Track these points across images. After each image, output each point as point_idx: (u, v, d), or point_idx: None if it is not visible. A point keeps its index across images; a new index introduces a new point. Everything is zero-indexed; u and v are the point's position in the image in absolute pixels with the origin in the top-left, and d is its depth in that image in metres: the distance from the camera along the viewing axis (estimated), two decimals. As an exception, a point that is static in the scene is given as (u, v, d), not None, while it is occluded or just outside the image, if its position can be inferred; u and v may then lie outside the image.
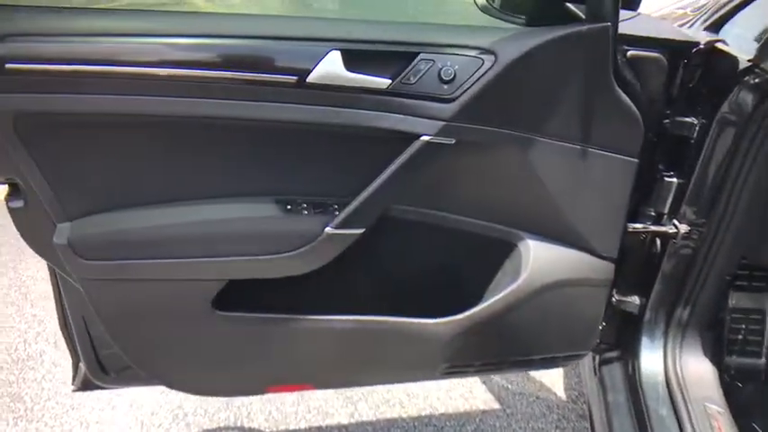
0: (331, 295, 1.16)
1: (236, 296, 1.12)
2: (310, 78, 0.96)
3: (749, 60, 1.03)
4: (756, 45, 1.07)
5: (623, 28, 1.04)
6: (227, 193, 1.08)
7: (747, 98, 1.05)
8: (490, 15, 1.15)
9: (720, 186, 1.15)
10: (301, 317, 1.13)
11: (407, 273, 1.19)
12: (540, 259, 1.14)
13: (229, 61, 0.97)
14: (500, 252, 1.17)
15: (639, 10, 1.14)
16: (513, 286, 1.13)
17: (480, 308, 1.14)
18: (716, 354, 1.36)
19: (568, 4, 1.08)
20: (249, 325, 1.14)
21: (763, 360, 1.44)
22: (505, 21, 1.14)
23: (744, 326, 1.44)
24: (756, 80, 1.02)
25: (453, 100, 0.99)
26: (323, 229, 1.05)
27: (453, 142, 1.01)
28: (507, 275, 1.16)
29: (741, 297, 1.43)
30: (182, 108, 0.97)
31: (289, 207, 1.08)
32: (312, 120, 1.00)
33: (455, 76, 0.99)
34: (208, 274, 1.09)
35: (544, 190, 1.10)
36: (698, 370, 1.30)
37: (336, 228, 1.05)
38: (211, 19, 1.04)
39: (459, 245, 1.16)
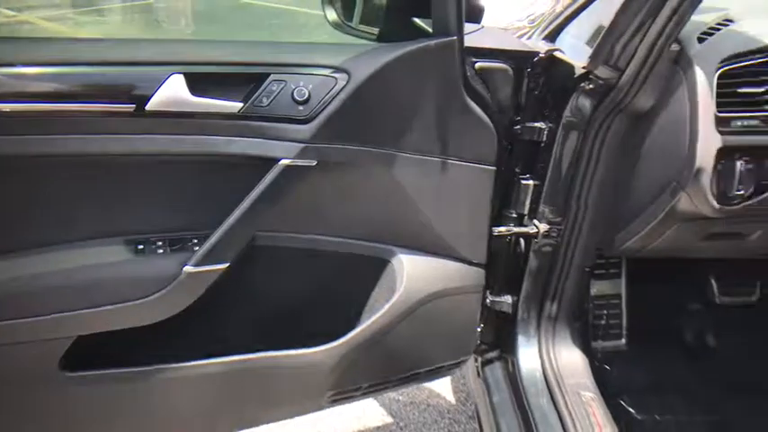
0: (200, 338, 1.07)
1: (89, 352, 0.99)
2: (150, 106, 0.88)
3: (583, 68, 1.10)
4: (588, 52, 1.15)
5: (469, 41, 1.07)
6: (69, 239, 0.96)
7: (585, 102, 1.13)
8: (343, 32, 1.14)
9: (571, 185, 1.22)
10: (168, 366, 1.03)
11: (282, 303, 1.14)
12: (413, 273, 1.14)
13: (59, 92, 0.87)
14: (374, 270, 1.16)
15: (482, 23, 1.18)
16: (391, 303, 1.12)
17: (360, 330, 1.12)
18: (584, 341, 1.44)
19: (416, 20, 1.09)
20: (107, 383, 1.02)
21: (623, 341, 1.56)
22: (358, 37, 1.13)
23: (605, 311, 1.56)
24: (591, 86, 1.10)
25: (310, 120, 0.96)
26: (181, 269, 0.96)
27: (315, 164, 0.98)
28: (384, 293, 1.15)
29: (600, 285, 1.54)
30: (9, 147, 0.85)
31: (140, 247, 0.98)
32: (157, 150, 0.92)
33: (310, 96, 0.96)
34: (51, 332, 0.96)
35: (410, 204, 1.10)
36: (570, 359, 1.37)
37: (197, 265, 0.97)
38: (38, 45, 0.93)
39: (332, 267, 1.13)
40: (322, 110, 0.96)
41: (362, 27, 1.16)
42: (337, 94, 0.96)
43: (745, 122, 1.00)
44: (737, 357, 1.62)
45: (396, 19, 1.12)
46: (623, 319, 1.56)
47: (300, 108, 0.95)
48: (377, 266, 1.15)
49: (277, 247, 1.07)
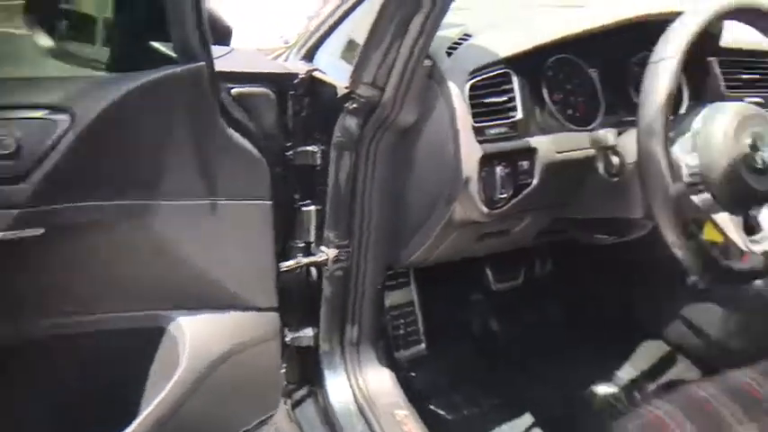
0: None
1: None
2: None
3: (345, 88, 1.07)
4: (346, 69, 1.13)
5: (221, 65, 0.96)
6: None
7: (352, 122, 1.10)
8: (62, 62, 0.94)
9: (352, 206, 1.19)
10: None
11: (37, 411, 0.89)
12: (198, 336, 0.99)
13: None
14: (149, 343, 0.98)
15: (232, 45, 1.08)
16: (176, 377, 0.95)
17: (144, 416, 0.93)
18: (389, 357, 1.44)
19: (155, 44, 0.95)
20: None
21: (423, 345, 1.60)
22: (83, 67, 0.94)
23: (402, 321, 1.57)
24: (355, 105, 1.08)
25: (24, 178, 0.75)
26: None
27: (41, 232, 0.77)
28: (166, 366, 0.98)
29: (393, 296, 1.55)
30: None
31: None
32: None
33: (19, 147, 0.75)
34: None
35: (179, 258, 0.94)
36: (379, 380, 1.34)
37: None
38: None
39: (94, 352, 0.92)
40: (39, 163, 0.76)
41: (89, 54, 0.97)
42: (59, 140, 0.77)
43: (497, 130, 1.06)
44: (514, 337, 1.78)
45: (130, 44, 0.96)
46: (419, 324, 1.60)
47: (8, 164, 0.74)
48: (151, 338, 0.98)
49: (10, 346, 0.83)
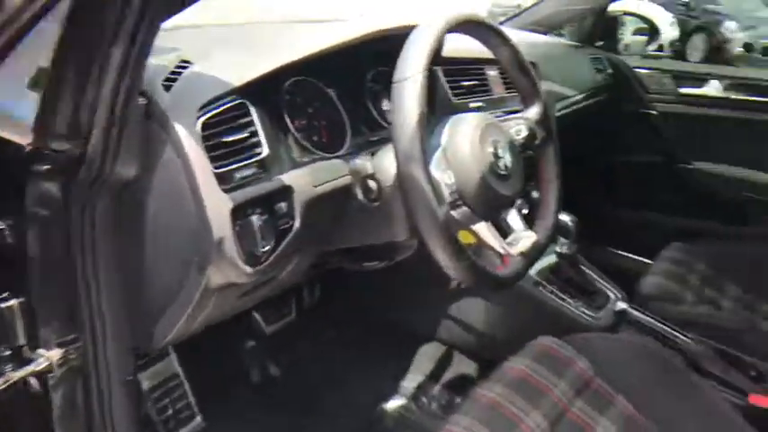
0: None
1: None
2: None
3: (29, 145, 0.80)
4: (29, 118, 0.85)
5: None
6: None
7: (51, 187, 0.83)
8: None
9: (71, 291, 0.92)
10: None
11: None
12: None
13: None
14: None
15: None
16: None
17: None
18: None
19: None
20: None
21: (199, 418, 1.37)
22: None
23: (167, 399, 1.32)
24: (48, 166, 0.81)
25: None
26: None
27: None
28: None
29: (152, 374, 1.29)
30: None
31: None
32: None
33: None
34: None
35: None
36: None
37: None
38: None
39: None
40: None
41: None
42: None
43: (244, 173, 0.91)
44: (296, 376, 1.67)
45: None
46: (189, 396, 1.36)
47: None
48: None
49: None
